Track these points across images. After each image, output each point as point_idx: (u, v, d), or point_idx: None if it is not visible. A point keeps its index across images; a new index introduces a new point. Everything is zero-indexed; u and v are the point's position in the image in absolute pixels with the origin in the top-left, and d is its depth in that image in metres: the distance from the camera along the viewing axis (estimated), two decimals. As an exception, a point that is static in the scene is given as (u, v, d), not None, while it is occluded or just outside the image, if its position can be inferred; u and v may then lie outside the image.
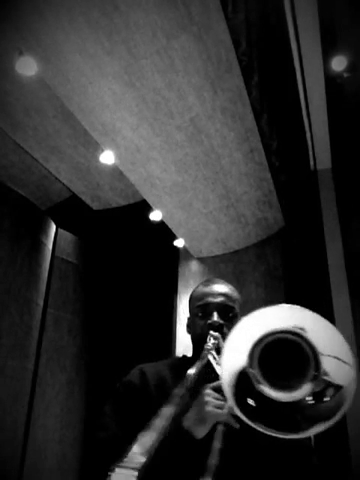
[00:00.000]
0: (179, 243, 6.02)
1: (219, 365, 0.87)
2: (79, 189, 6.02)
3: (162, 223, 5.53)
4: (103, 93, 3.71)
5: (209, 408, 0.92)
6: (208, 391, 0.96)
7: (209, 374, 0.89)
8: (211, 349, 0.99)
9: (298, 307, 0.82)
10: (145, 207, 5.34)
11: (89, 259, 6.60)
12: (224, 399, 0.88)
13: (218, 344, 1.06)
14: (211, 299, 1.24)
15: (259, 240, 5.89)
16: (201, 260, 6.28)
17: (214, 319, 1.19)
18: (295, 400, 0.78)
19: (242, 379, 0.79)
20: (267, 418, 0.78)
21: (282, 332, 0.79)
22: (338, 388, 0.77)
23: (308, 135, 4.51)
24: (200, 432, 0.93)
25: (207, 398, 0.94)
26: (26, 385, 5.06)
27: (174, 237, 5.91)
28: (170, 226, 5.63)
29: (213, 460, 0.82)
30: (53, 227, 6.07)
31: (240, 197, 5.09)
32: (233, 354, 0.80)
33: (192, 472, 0.84)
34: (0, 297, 4.90)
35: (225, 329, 1.17)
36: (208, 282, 1.34)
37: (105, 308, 6.49)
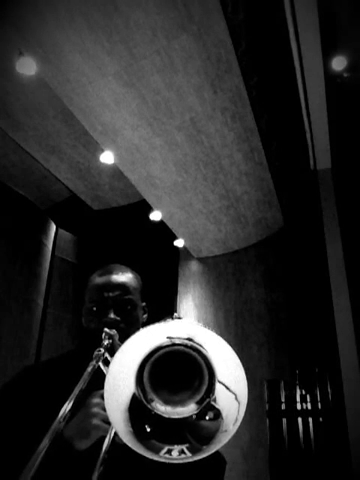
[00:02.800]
0: (179, 243, 6.02)
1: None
2: (79, 189, 6.03)
3: (162, 223, 5.53)
4: (103, 93, 3.71)
5: (95, 421, 0.83)
6: (96, 400, 0.86)
7: (99, 379, 0.76)
8: (103, 353, 0.89)
9: (197, 326, 0.73)
10: (145, 207, 5.34)
11: (89, 259, 6.60)
12: None
13: (113, 343, 0.98)
14: (106, 293, 1.16)
15: (259, 240, 5.89)
16: (201, 260, 6.28)
17: (110, 316, 1.11)
18: (181, 417, 0.72)
19: (133, 402, 0.71)
20: (160, 437, 0.71)
21: (178, 345, 0.72)
22: (219, 418, 0.69)
23: (308, 135, 4.51)
24: (83, 444, 0.84)
25: (94, 409, 0.84)
26: (26, 385, 5.06)
27: (174, 237, 5.91)
28: (170, 226, 5.63)
29: (97, 473, 0.76)
30: (53, 227, 6.07)
31: (240, 197, 5.09)
32: (119, 375, 0.72)
33: None
34: (0, 297, 4.90)
35: (122, 324, 1.10)
36: (104, 272, 1.24)
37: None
